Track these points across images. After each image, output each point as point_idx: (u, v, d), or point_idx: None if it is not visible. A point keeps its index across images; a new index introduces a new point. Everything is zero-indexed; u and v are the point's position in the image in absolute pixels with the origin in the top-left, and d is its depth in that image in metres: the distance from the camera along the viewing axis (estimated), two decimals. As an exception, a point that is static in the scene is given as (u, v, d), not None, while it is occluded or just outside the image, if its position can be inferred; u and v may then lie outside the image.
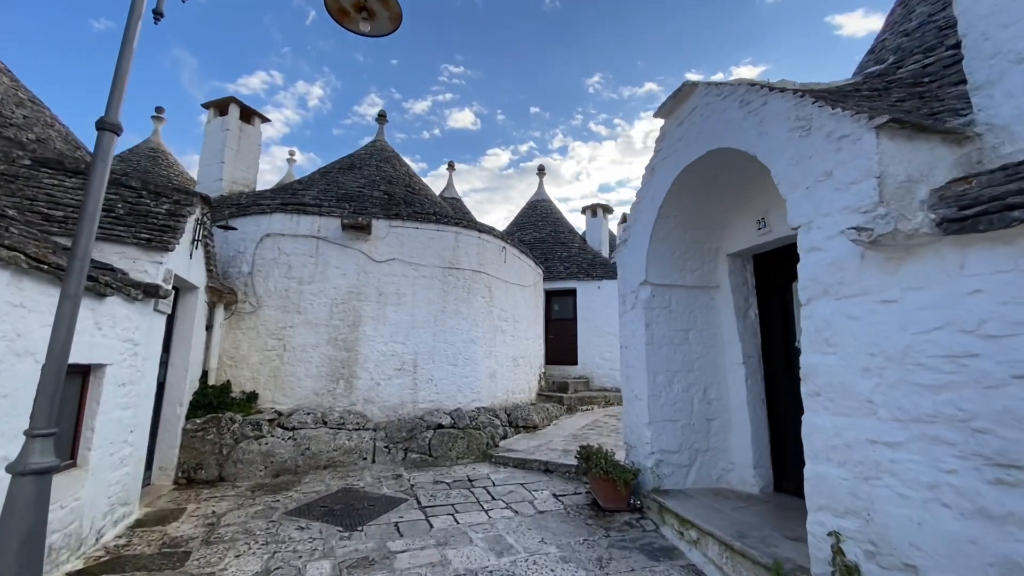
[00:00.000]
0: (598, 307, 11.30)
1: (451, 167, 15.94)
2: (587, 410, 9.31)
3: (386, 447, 5.80)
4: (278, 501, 4.48)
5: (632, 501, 4.28)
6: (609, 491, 4.21)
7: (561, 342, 11.62)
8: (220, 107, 8.65)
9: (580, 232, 14.14)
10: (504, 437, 6.67)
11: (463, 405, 6.68)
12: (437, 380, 6.58)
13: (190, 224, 5.02)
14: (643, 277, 4.58)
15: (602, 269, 11.73)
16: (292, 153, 20.68)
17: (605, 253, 12.98)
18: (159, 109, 12.48)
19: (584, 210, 13.62)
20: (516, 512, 4.17)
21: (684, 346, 4.57)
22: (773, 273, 4.39)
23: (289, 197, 7.03)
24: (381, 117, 11.71)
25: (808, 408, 2.53)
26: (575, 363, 11.38)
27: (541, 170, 14.56)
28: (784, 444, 4.17)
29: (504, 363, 7.73)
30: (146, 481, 4.91)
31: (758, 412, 4.29)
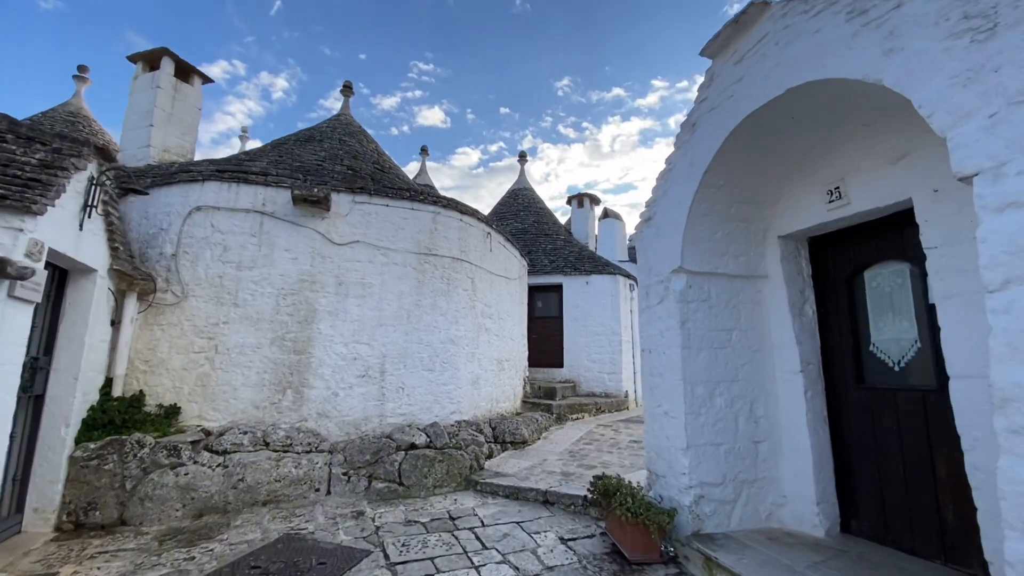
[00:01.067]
0: (586, 304, 10.44)
1: (424, 152, 14.79)
2: (578, 419, 8.41)
3: (345, 474, 4.69)
4: (193, 559, 3.34)
5: (665, 548, 3.36)
6: (638, 538, 3.27)
7: (545, 342, 10.70)
8: (150, 60, 7.25)
9: (564, 224, 13.27)
10: (489, 456, 5.67)
11: (441, 419, 5.63)
12: (410, 389, 5.51)
13: (79, 184, 3.79)
14: (677, 263, 3.67)
15: (590, 263, 10.87)
16: (245, 131, 18.94)
17: (592, 246, 12.14)
18: (82, 68, 10.78)
19: (570, 200, 12.76)
20: (517, 569, 3.18)
21: (726, 350, 3.69)
22: (837, 259, 3.56)
23: (227, 164, 5.79)
24: (346, 89, 10.48)
25: (1009, 450, 1.65)
26: (560, 365, 10.49)
27: (523, 157, 13.61)
28: (852, 475, 3.35)
29: (488, 367, 6.72)
30: (12, 529, 3.66)
31: (820, 434, 3.46)
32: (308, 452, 4.74)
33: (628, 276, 10.68)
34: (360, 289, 5.46)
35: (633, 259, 17.37)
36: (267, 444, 4.66)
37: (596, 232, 12.65)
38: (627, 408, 9.85)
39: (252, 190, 5.38)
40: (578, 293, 10.55)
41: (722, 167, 3.43)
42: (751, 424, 3.62)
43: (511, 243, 8.10)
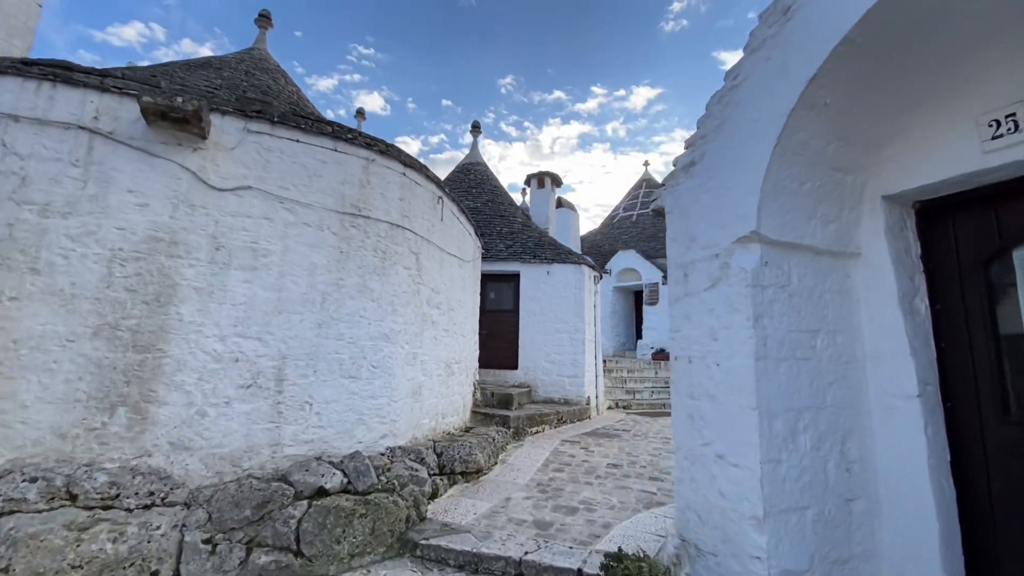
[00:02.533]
0: (546, 297, 9.17)
1: (360, 115, 12.83)
2: (538, 432, 7.12)
3: (208, 541, 3.03)
4: None
5: None
6: None
7: (497, 340, 9.32)
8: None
9: (520, 206, 11.94)
10: (434, 495, 4.19)
11: (367, 446, 4.08)
12: (321, 405, 3.90)
13: None
14: (748, 227, 2.43)
15: (551, 250, 9.62)
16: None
17: (553, 233, 10.91)
18: None
19: (528, 180, 11.43)
20: None
21: (811, 362, 2.50)
22: (970, 231, 2.47)
23: (40, 58, 3.82)
24: (263, 19, 8.48)
25: None
26: (515, 367, 9.16)
27: (476, 128, 12.08)
28: (992, 552, 2.27)
29: (435, 372, 5.22)
30: None
31: (945, 490, 2.35)
32: (147, 507, 3.03)
33: (593, 267, 9.55)
34: (250, 258, 3.76)
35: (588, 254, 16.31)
36: (73, 498, 2.90)
37: (555, 215, 11.47)
38: (589, 417, 8.71)
39: (78, 95, 3.50)
40: (537, 284, 9.26)
41: (836, 75, 2.20)
42: (842, 473, 2.46)
43: (466, 216, 6.62)
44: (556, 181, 11.39)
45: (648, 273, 16.61)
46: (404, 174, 4.84)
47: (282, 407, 3.72)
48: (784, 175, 2.40)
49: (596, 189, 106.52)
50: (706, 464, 2.55)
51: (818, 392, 2.47)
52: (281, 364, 3.76)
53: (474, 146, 12.11)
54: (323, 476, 3.49)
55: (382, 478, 3.73)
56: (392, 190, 4.66)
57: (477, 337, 7.56)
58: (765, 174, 2.35)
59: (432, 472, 4.38)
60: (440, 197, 5.53)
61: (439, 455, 4.63)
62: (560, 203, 15.36)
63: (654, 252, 17.47)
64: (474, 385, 7.24)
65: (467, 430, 6.00)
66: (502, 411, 7.06)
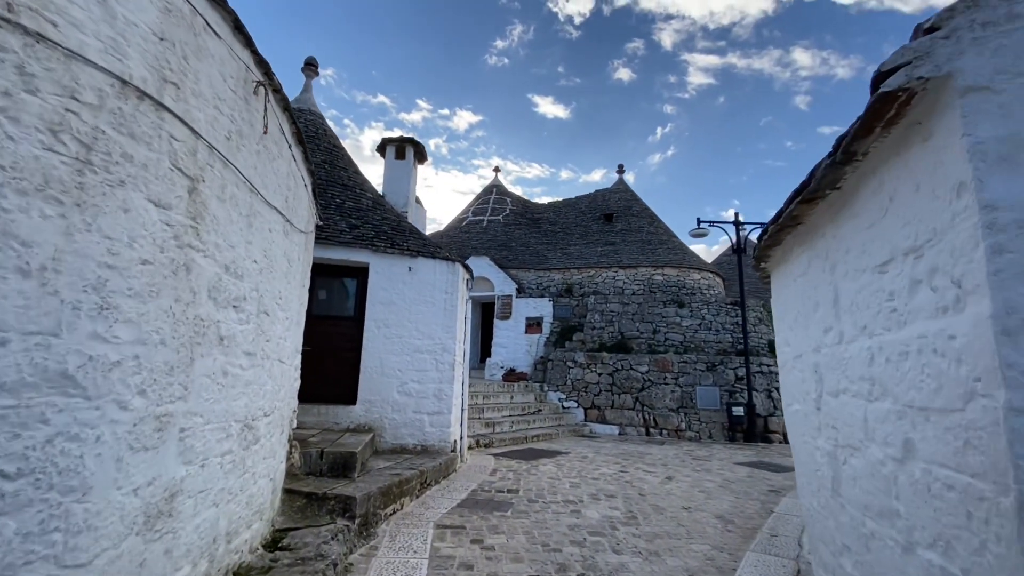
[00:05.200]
0: (405, 302, 6.73)
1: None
2: (398, 512, 4.62)
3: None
4: None
5: None
6: None
7: (328, 361, 6.46)
8: None
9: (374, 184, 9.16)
10: None
11: None
12: None
13: None
14: None
15: (416, 240, 7.23)
16: None
17: (413, 218, 8.49)
18: None
19: (383, 147, 8.77)
20: None
21: None
22: None
23: None
24: (309, 67, 4.20)
25: None
26: (351, 401, 6.42)
27: (310, 66, 8.94)
28: None
29: (217, 448, 2.44)
30: None
31: None
32: None
33: (467, 267, 7.48)
34: None
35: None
36: None
37: (415, 194, 9.05)
38: (455, 469, 6.51)
39: None
40: (394, 283, 6.74)
41: None
42: None
43: (303, 150, 3.90)
44: (421, 153, 9.00)
45: (502, 284, 15.26)
46: (175, -13, 2.06)
47: None
48: None
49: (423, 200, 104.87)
50: None
51: None
52: None
53: (307, 89, 8.94)
54: None
55: None
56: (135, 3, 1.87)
57: (299, 361, 4.73)
58: None
59: None
60: (261, 84, 2.81)
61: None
62: (415, 200, 13.03)
63: (508, 262, 16.26)
64: (289, 442, 4.40)
65: (275, 543, 3.25)
66: (337, 484, 4.37)
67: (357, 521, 3.96)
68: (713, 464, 7.87)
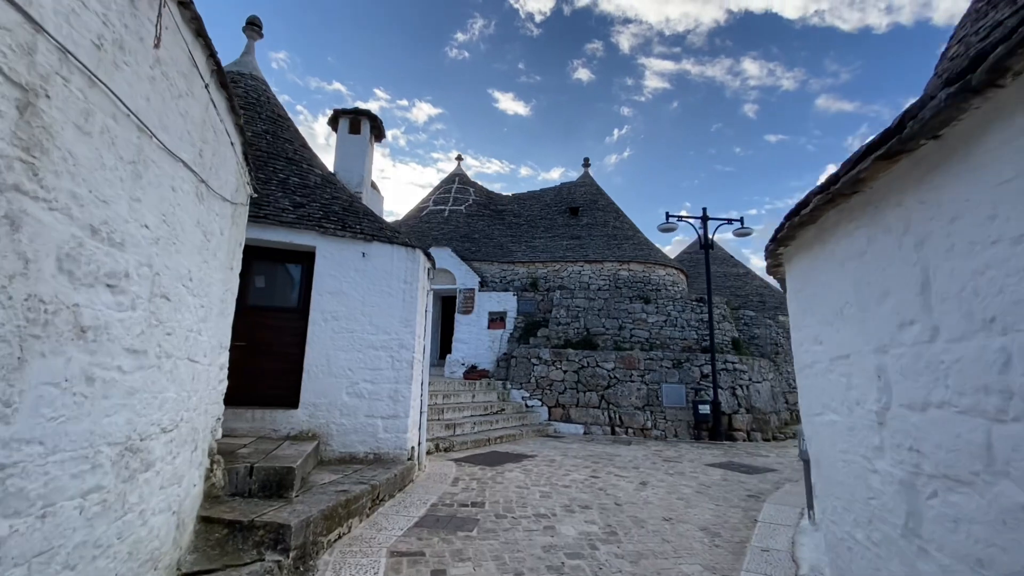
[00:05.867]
0: (358, 293, 5.99)
1: None
2: (345, 536, 3.93)
3: None
4: None
5: None
6: None
7: (264, 358, 5.65)
8: None
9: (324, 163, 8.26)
10: None
11: None
12: None
13: None
14: None
15: (370, 223, 6.49)
16: None
17: (369, 203, 7.71)
18: None
19: (335, 119, 7.91)
20: None
21: None
22: None
23: None
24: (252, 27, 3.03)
25: None
26: (293, 404, 5.63)
27: (253, 26, 7.94)
28: None
29: (76, 489, 1.71)
30: None
31: None
32: None
33: (429, 255, 6.80)
34: None
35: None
36: None
37: (371, 172, 8.21)
38: (412, 480, 5.86)
39: None
40: (345, 270, 5.98)
41: None
42: None
43: (227, 96, 3.14)
44: (378, 129, 8.17)
45: (464, 277, 14.60)
46: None
47: None
48: None
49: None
50: None
51: None
52: None
53: (249, 51, 7.94)
54: None
55: None
56: None
57: (226, 359, 3.95)
58: None
59: None
60: (155, -17, 2.07)
61: None
62: (371, 185, 12.22)
63: (470, 254, 15.61)
64: (210, 457, 3.63)
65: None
66: (270, 507, 3.64)
67: (292, 554, 3.27)
68: (685, 466, 7.59)
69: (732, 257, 25.07)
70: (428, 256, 6.78)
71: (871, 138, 1.72)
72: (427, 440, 7.85)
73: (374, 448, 5.74)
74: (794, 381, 18.45)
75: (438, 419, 9.11)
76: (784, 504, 5.45)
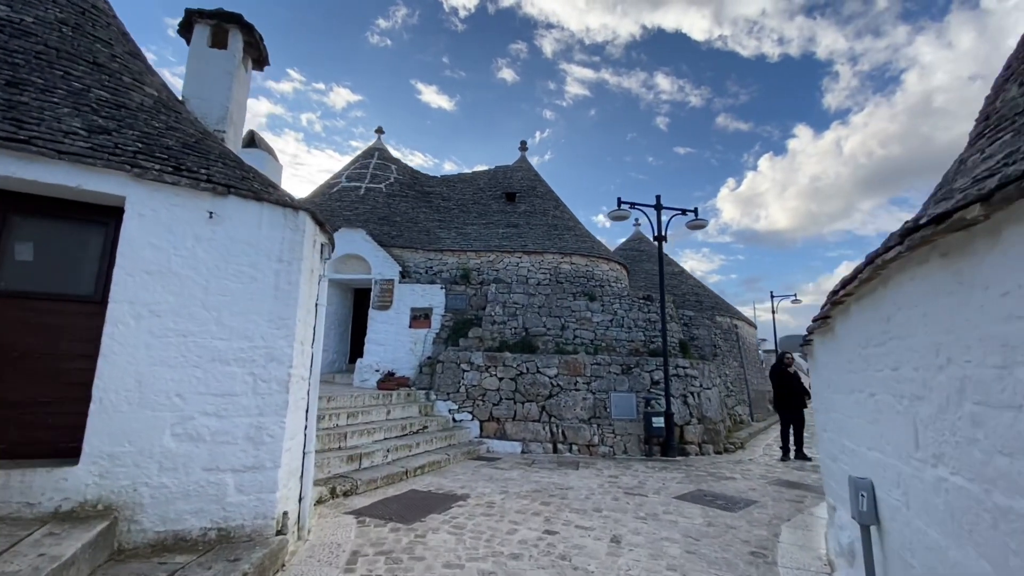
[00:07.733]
0: (200, 273, 3.85)
1: None
2: None
3: None
4: None
5: None
6: None
7: (16, 378, 3.36)
8: None
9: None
10: None
11: None
12: None
13: None
14: None
15: (227, 169, 4.33)
16: None
17: (231, 137, 5.47)
18: None
19: (189, 22, 5.55)
20: None
21: None
22: None
23: None
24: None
25: None
26: (71, 455, 3.40)
27: None
28: None
29: None
30: None
31: None
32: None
33: (321, 223, 4.77)
34: None
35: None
36: None
37: (244, 103, 5.91)
38: (281, 567, 3.83)
39: None
40: (179, 237, 3.82)
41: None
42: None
43: None
44: (257, 49, 5.86)
45: (381, 265, 12.43)
46: None
47: None
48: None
49: (287, 180, 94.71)
50: None
51: None
52: None
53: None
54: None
55: None
56: None
57: None
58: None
59: None
60: None
61: None
62: (253, 140, 9.81)
63: (390, 239, 13.45)
64: None
65: None
66: None
67: None
68: (652, 501, 6.21)
69: (666, 255, 24.86)
70: (321, 225, 4.75)
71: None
72: (319, 483, 5.79)
73: (219, 521, 3.66)
74: (731, 384, 18.11)
75: (338, 448, 7.03)
76: (800, 569, 4.15)
